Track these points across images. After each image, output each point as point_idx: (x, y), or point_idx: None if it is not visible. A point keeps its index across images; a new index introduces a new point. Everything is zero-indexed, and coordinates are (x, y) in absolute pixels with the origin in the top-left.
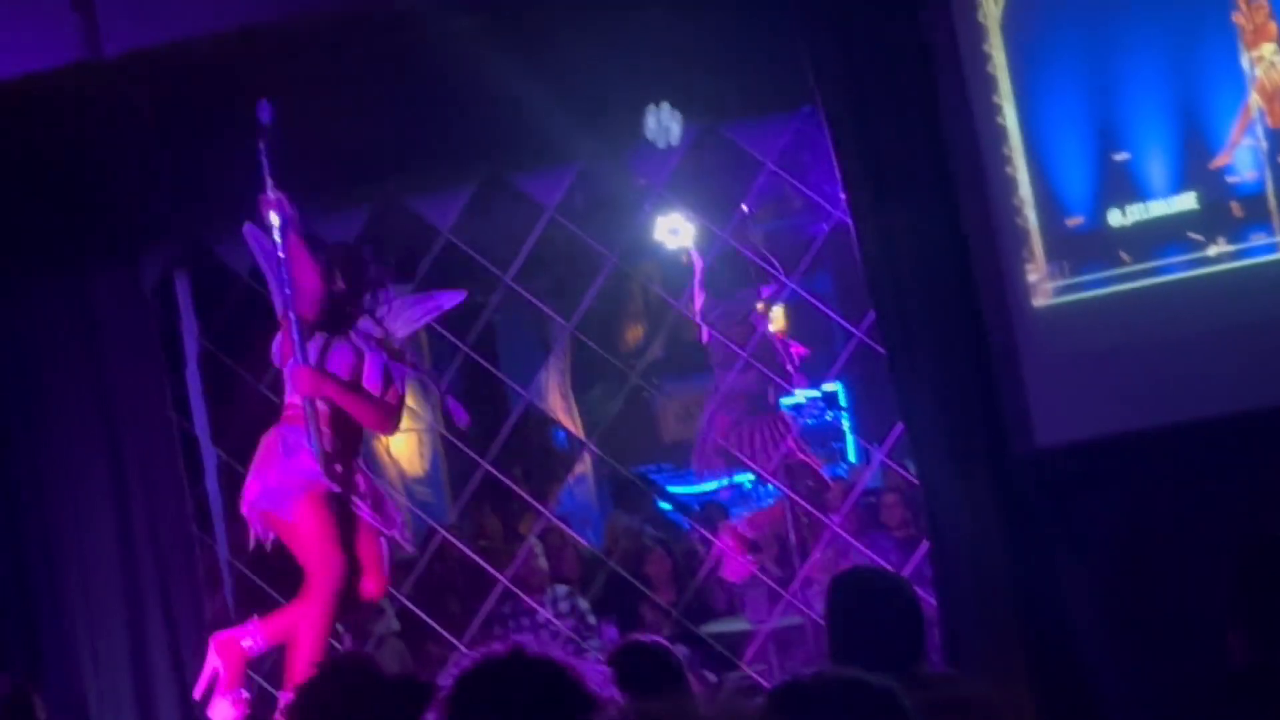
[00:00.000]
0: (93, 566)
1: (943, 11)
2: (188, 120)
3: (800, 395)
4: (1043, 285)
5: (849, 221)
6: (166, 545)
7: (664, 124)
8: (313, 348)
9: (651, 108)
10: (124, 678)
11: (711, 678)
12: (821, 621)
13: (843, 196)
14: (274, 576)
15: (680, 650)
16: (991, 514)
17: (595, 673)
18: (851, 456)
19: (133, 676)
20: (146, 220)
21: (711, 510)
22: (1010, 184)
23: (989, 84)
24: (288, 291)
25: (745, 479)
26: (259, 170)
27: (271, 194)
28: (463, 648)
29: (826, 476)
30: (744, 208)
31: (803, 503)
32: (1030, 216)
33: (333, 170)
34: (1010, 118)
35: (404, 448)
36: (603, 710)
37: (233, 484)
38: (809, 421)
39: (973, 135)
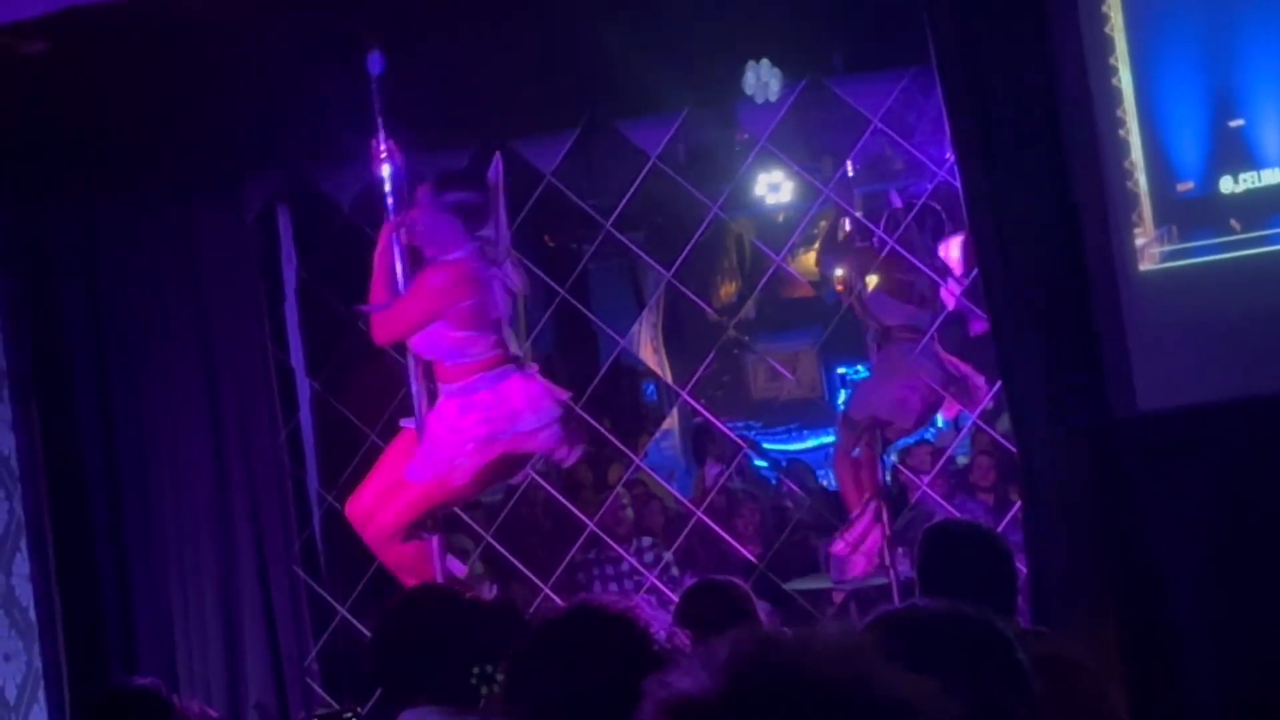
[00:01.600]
0: (185, 492)
1: None
2: (298, 53)
3: None
4: (1150, 250)
5: (952, 183)
6: (259, 475)
7: (763, 79)
8: None
9: (751, 63)
10: (213, 606)
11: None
12: (905, 582)
13: (948, 157)
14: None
15: (763, 605)
16: (1089, 477)
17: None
18: (940, 420)
19: (221, 605)
20: (252, 151)
21: (798, 467)
22: (1122, 147)
23: (1105, 45)
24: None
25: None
26: (365, 105)
27: (382, 144)
28: (547, 590)
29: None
30: (849, 165)
31: (901, 468)
32: (1141, 180)
33: (438, 109)
34: (1125, 80)
35: None
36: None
37: (326, 417)
38: None
39: (1086, 96)
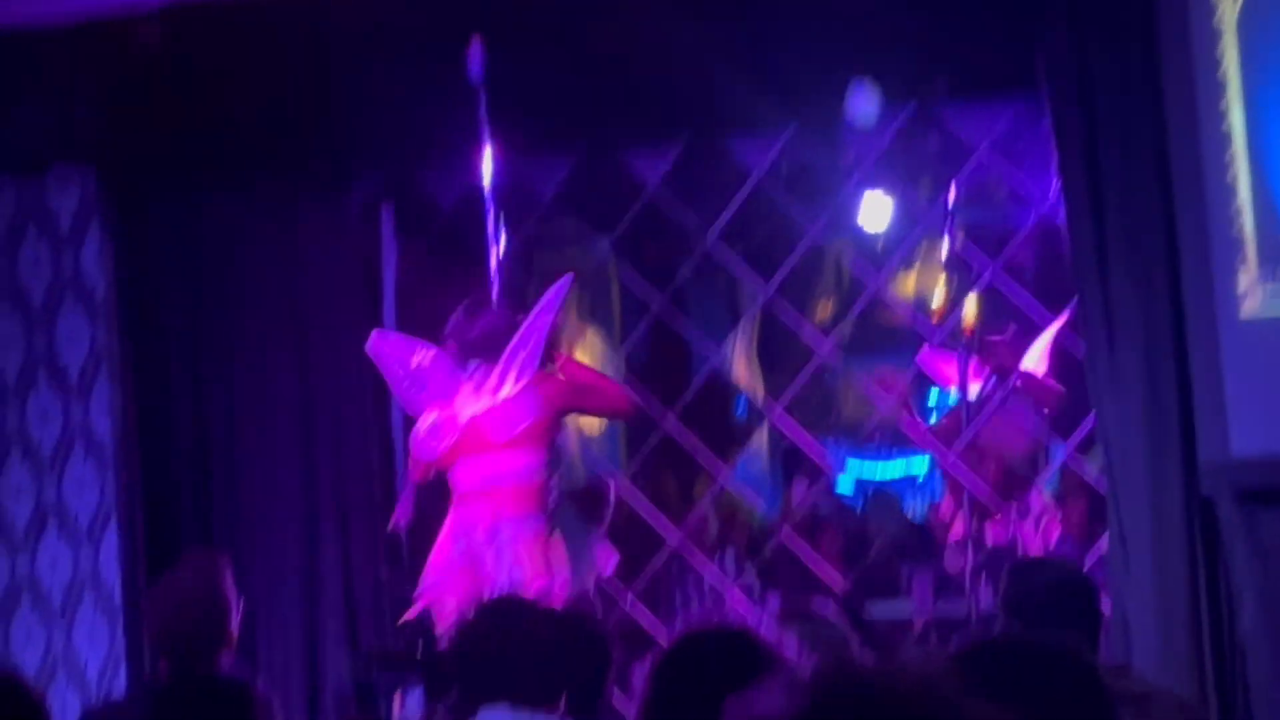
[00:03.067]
0: (274, 483)
1: (1178, 9)
2: (405, 54)
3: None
4: (1253, 294)
5: (1055, 215)
6: (348, 471)
7: (864, 103)
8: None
9: (853, 86)
10: (295, 597)
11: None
12: (986, 613)
13: (1054, 189)
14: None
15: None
16: (1178, 518)
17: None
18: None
19: (303, 596)
20: (358, 148)
21: (884, 495)
22: (1230, 189)
23: (1217, 87)
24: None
25: (921, 468)
26: (469, 107)
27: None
28: (631, 598)
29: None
30: (951, 192)
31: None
32: (1247, 224)
33: (544, 116)
34: (1236, 124)
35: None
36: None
37: None
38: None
39: (1195, 137)
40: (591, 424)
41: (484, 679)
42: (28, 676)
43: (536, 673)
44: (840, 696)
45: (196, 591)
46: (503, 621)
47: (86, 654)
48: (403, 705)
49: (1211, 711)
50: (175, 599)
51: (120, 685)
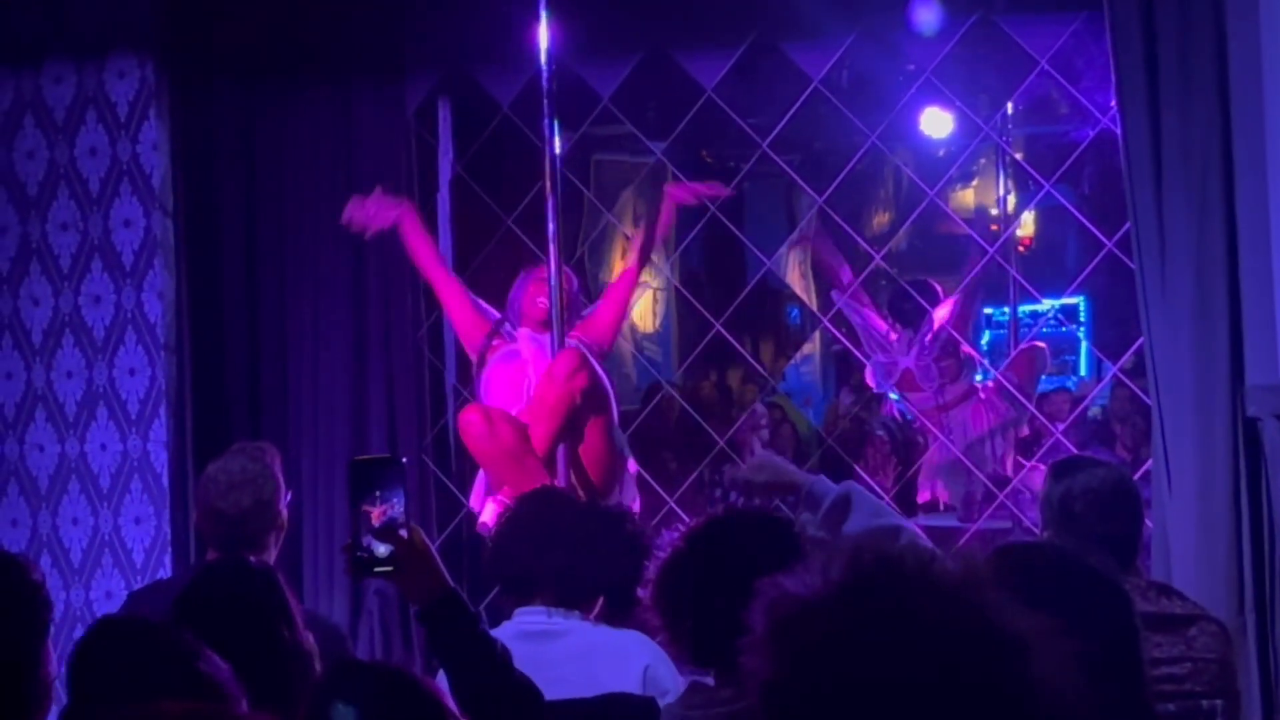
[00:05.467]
0: (324, 372)
1: None
2: None
3: (1045, 304)
4: None
5: (1115, 131)
6: (397, 363)
7: (925, 13)
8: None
9: None
10: (342, 489)
11: None
12: (1031, 527)
13: (1112, 105)
14: None
15: None
16: (1222, 437)
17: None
18: (1083, 370)
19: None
20: (416, 42)
21: None
22: None
23: None
24: None
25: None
26: (529, 2)
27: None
28: (672, 503)
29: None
30: (1010, 105)
31: (1034, 411)
32: None
33: (604, 14)
34: None
35: (639, 304)
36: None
37: None
38: (1044, 331)
39: (1257, 54)
40: (647, 321)
41: (521, 576)
42: (30, 562)
43: (574, 573)
44: (870, 582)
45: (245, 477)
46: (541, 518)
47: (133, 538)
48: (384, 505)
49: (1249, 629)
50: (224, 485)
51: (166, 570)
